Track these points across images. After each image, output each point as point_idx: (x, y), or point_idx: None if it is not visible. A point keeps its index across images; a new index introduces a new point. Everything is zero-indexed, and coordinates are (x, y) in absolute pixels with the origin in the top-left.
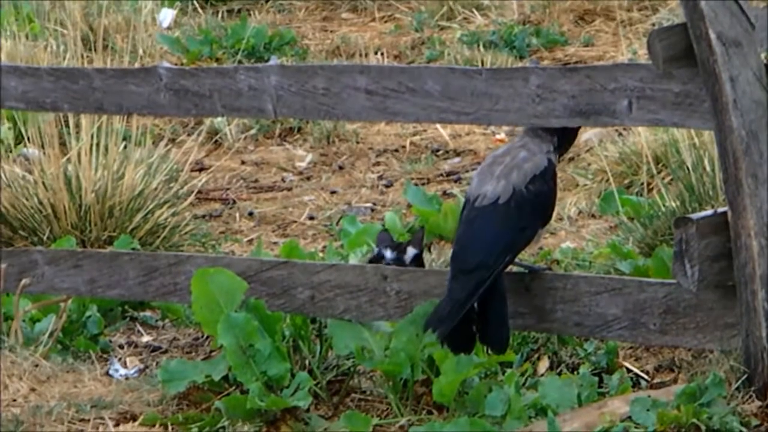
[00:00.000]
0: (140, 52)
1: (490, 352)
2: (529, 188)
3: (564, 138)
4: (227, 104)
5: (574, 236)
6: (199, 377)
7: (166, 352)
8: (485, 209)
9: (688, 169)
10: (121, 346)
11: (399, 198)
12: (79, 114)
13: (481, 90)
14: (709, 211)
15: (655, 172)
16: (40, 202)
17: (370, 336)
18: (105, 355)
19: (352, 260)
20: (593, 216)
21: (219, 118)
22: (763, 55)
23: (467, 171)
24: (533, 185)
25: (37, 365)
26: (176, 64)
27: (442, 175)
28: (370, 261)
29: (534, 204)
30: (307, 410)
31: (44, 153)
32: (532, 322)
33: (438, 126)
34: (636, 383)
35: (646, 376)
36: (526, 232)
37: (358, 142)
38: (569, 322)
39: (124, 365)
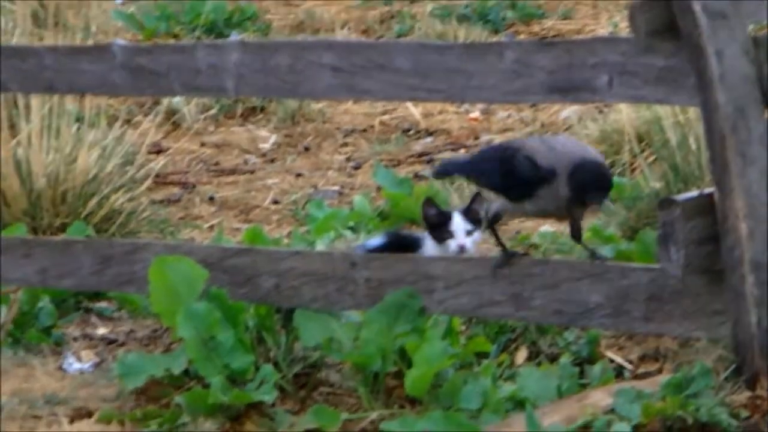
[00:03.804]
0: (93, 29)
1: None
2: None
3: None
4: (185, 83)
5: None
6: (158, 371)
7: (122, 344)
8: None
9: (672, 147)
10: (75, 339)
11: (368, 180)
12: (28, 94)
13: (454, 66)
14: (694, 192)
15: (637, 151)
16: None
17: (339, 326)
18: (58, 349)
19: (319, 246)
20: None
21: (177, 98)
22: (750, 27)
23: (440, 152)
24: None
25: None
26: (131, 41)
27: (413, 156)
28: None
29: None
30: (273, 405)
31: None
32: (509, 311)
33: (409, 104)
34: (619, 374)
35: (629, 366)
36: None
37: (324, 122)
38: (548, 310)
39: (79, 359)
